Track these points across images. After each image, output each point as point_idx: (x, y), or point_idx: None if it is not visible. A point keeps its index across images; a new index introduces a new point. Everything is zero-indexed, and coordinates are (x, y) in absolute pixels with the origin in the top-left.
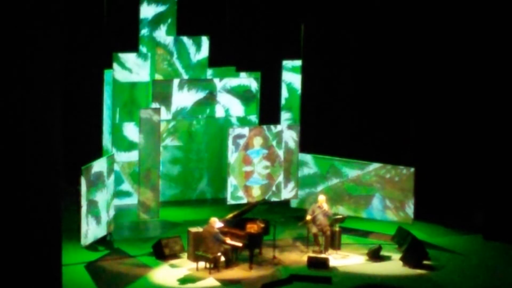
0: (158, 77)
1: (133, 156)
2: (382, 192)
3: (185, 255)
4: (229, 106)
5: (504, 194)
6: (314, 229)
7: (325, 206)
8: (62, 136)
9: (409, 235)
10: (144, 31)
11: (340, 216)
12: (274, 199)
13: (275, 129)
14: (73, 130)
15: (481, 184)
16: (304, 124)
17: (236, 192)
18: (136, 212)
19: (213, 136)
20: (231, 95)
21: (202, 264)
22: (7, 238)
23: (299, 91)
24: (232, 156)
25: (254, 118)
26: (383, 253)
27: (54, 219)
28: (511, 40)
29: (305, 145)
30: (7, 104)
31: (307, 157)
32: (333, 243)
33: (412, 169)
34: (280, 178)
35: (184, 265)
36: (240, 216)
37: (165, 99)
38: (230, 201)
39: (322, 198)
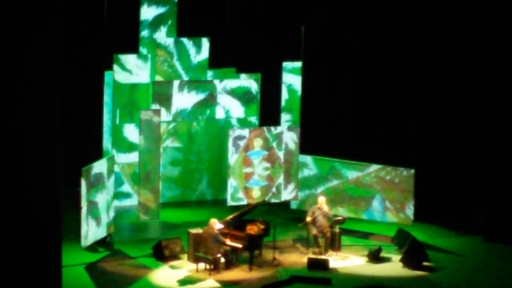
0: (158, 78)
1: (133, 157)
2: (382, 194)
3: (185, 256)
4: (229, 107)
5: (504, 196)
6: (314, 231)
7: (325, 208)
8: (62, 137)
9: (409, 237)
10: (144, 33)
11: (340, 218)
12: (274, 200)
13: (275, 130)
14: (73, 131)
15: (481, 185)
16: (304, 125)
17: (236, 193)
18: (136, 214)
19: (213, 137)
20: (231, 97)
21: (202, 265)
22: (7, 239)
23: (299, 93)
24: (232, 158)
25: (254, 119)
26: (383, 254)
27: (54, 220)
28: (511, 40)
29: (305, 147)
30: (7, 105)
31: (307, 159)
32: (333, 244)
33: (412, 171)
34: (280, 179)
35: (184, 267)
36: (240, 218)
37: (165, 100)
38: (230, 203)
39: (322, 199)
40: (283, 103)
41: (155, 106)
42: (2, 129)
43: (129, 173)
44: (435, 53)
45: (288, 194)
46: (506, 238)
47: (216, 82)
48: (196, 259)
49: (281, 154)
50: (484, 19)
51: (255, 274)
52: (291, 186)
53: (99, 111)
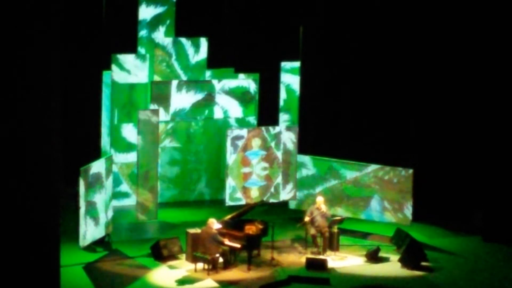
0: (156, 78)
1: (131, 157)
2: (381, 194)
3: (183, 256)
4: (227, 107)
5: (503, 195)
6: (312, 231)
7: (324, 208)
8: (61, 137)
9: (408, 237)
10: (142, 33)
11: (339, 218)
12: (272, 200)
13: (273, 130)
14: (72, 131)
15: (480, 185)
16: (303, 125)
17: (235, 193)
18: (134, 213)
19: (212, 137)
20: (229, 97)
21: (200, 265)
22: (6, 239)
23: (298, 93)
24: (231, 158)
25: (252, 119)
26: (382, 254)
27: (53, 220)
28: (511, 40)
29: (303, 147)
30: (6, 104)
31: (306, 159)
32: (332, 244)
33: (411, 171)
34: (279, 179)
35: (183, 266)
36: (239, 218)
37: (164, 100)
38: (229, 203)
39: (320, 199)
40: (281, 103)
41: (153, 106)
42: (2, 129)
43: (128, 173)
44: (435, 53)
45: (286, 194)
46: (505, 238)
47: (215, 82)
48: (194, 259)
49: (279, 154)
50: (484, 19)
51: (254, 274)
52: (290, 186)
53: (97, 111)
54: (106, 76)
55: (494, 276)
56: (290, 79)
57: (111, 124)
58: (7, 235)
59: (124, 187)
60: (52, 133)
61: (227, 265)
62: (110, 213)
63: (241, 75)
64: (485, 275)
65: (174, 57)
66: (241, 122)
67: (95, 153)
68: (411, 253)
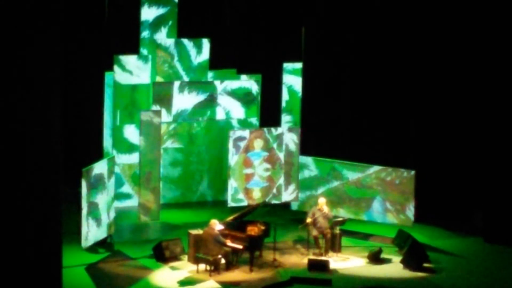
0: (158, 79)
1: (133, 158)
2: (383, 195)
3: (185, 257)
4: (229, 108)
5: (505, 197)
6: (314, 232)
7: (326, 209)
8: (63, 138)
9: (410, 238)
10: (145, 34)
11: (341, 219)
12: (274, 201)
13: (275, 131)
14: (74, 132)
15: (482, 186)
16: (305, 126)
17: (237, 194)
18: (136, 214)
19: (214, 138)
20: (231, 98)
21: (202, 266)
22: (8, 240)
23: (300, 94)
24: (233, 159)
25: (254, 120)
26: (384, 255)
27: (55, 221)
28: (511, 40)
29: (305, 148)
30: (7, 105)
31: (308, 160)
32: (334, 245)
33: (413, 172)
34: (281, 180)
35: (185, 268)
36: (241, 219)
37: (166, 101)
38: (231, 204)
39: (322, 200)
40: (283, 104)
41: (155, 107)
42: (2, 130)
43: (130, 174)
44: (435, 53)
45: (288, 195)
46: (507, 239)
47: (217, 83)
48: (196, 260)
49: (281, 155)
50: (484, 19)
51: (256, 275)
52: (292, 187)
53: (99, 112)
54: (108, 77)
55: (495, 277)
56: (292, 80)
57: (113, 125)
58: (9, 236)
59: (126, 188)
60: (53, 134)
61: (229, 266)
62: (112, 214)
63: (243, 76)
64: (487, 276)
65: (176, 58)
66: (243, 123)
67: (97, 154)
68: (413, 254)
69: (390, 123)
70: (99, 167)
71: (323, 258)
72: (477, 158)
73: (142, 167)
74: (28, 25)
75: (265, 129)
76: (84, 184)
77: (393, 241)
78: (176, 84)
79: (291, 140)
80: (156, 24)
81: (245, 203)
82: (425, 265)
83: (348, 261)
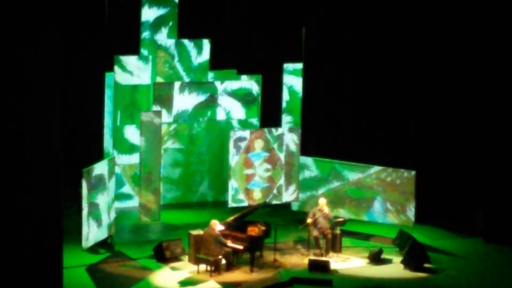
0: (159, 80)
1: (134, 158)
2: (383, 195)
3: (186, 258)
4: (230, 109)
5: (505, 197)
6: (315, 232)
7: (326, 209)
8: (63, 139)
9: (410, 238)
10: (145, 34)
11: (341, 219)
12: (275, 202)
13: (276, 132)
14: (74, 132)
15: (482, 187)
16: (305, 127)
17: (237, 195)
18: (137, 215)
19: (214, 139)
20: (232, 98)
21: (203, 267)
22: (8, 241)
23: (300, 94)
24: (233, 159)
25: (255, 121)
26: (384, 256)
27: (55, 222)
28: (511, 40)
29: (306, 148)
30: (8, 106)
31: (308, 160)
32: (334, 246)
33: (413, 172)
34: (281, 181)
35: (185, 268)
36: (241, 219)
37: (166, 102)
38: (231, 204)
39: (322, 201)
40: (284, 104)
41: (156, 108)
42: (3, 130)
43: (130, 175)
44: (436, 54)
45: (289, 195)
46: (507, 239)
47: (217, 83)
48: (197, 261)
49: (282, 156)
50: (484, 19)
51: (256, 275)
52: (292, 188)
53: (100, 113)
54: (108, 77)
55: (495, 277)
56: (292, 80)
57: (114, 126)
58: (10, 236)
59: (127, 188)
60: (53, 135)
61: (229, 267)
62: (113, 215)
63: (244, 77)
64: (487, 277)
65: (176, 58)
66: (244, 124)
67: (98, 154)
68: (414, 255)
69: (390, 124)
70: (100, 168)
71: (323, 258)
72: (477, 158)
73: (142, 168)
74: (28, 25)
75: (266, 130)
76: (84, 185)
77: (394, 241)
78: (177, 84)
79: (292, 140)
80: (157, 24)
81: (245, 204)
82: (426, 265)
83: (348, 262)
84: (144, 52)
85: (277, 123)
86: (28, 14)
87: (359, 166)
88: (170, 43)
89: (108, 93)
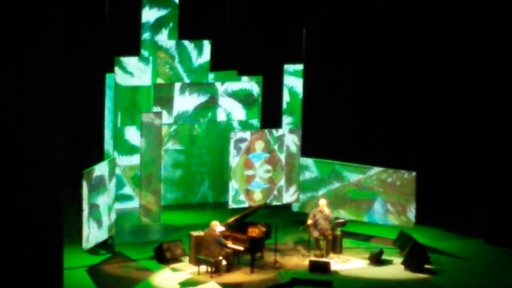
0: (159, 81)
1: (134, 160)
2: (384, 196)
3: (186, 259)
4: (230, 110)
5: (506, 198)
6: (315, 233)
7: (327, 210)
8: (64, 140)
9: (411, 239)
10: (145, 35)
11: (342, 220)
12: (275, 203)
13: (276, 133)
14: (75, 133)
15: (483, 188)
16: (306, 128)
17: (238, 196)
18: (137, 216)
19: (215, 140)
20: (232, 99)
21: (203, 268)
22: (9, 242)
23: (301, 95)
24: (234, 160)
25: (255, 122)
26: (385, 257)
27: (56, 223)
28: (511, 40)
29: (306, 149)
30: (8, 106)
31: (309, 161)
32: (335, 247)
33: (414, 173)
34: (282, 182)
35: (186, 269)
36: (242, 220)
37: (167, 103)
38: (232, 205)
39: (323, 202)
40: (284, 105)
41: (156, 109)
42: (3, 130)
43: (131, 176)
44: (436, 54)
45: (289, 196)
46: (508, 241)
47: (218, 84)
48: (197, 262)
49: (282, 157)
50: (484, 19)
51: (257, 276)
52: (293, 189)
53: (100, 114)
54: (109, 78)
55: (496, 278)
56: (293, 81)
57: (114, 127)
58: (11, 238)
59: (127, 189)
60: (53, 136)
61: (230, 268)
62: (113, 216)
63: (244, 78)
64: (488, 278)
65: (177, 59)
66: (244, 125)
67: (98, 155)
68: (414, 256)
69: (390, 125)
70: (100, 169)
71: (324, 259)
72: (478, 159)
73: (143, 169)
74: (28, 25)
75: (266, 131)
76: (85, 186)
77: (394, 242)
78: (177, 85)
79: (292, 141)
80: (157, 25)
81: (246, 205)
82: (426, 266)
83: (349, 263)
84: (145, 53)
85: (278, 124)
86: (28, 14)
87: (360, 167)
88: (171, 44)
89: (108, 94)
